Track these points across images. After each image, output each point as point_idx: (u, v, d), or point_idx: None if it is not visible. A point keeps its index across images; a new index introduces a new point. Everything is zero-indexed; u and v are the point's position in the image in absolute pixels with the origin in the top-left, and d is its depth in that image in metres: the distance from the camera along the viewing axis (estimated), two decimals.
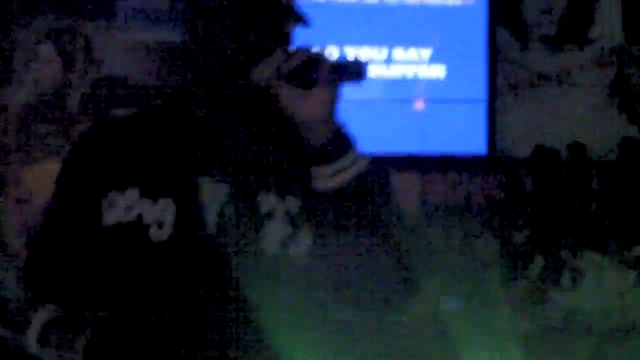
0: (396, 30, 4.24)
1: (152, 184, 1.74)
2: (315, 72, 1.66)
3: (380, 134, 4.14)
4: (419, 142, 4.17)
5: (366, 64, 1.71)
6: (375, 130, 4.15)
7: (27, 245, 1.91)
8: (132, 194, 1.73)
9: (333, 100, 1.67)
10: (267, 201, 1.73)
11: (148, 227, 1.70)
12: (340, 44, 4.17)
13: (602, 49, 4.53)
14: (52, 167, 4.32)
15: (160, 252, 1.71)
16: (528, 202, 4.43)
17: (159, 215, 1.71)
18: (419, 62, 4.23)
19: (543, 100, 4.52)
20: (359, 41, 4.19)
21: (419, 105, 4.22)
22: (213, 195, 1.73)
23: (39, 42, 4.34)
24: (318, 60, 1.67)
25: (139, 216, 1.72)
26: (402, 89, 4.25)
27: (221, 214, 1.72)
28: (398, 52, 4.23)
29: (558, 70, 4.53)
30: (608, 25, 4.54)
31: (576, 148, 4.51)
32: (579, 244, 4.45)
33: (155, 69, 4.35)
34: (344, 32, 4.19)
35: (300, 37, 4.18)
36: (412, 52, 4.24)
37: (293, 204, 1.74)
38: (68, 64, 4.35)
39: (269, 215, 1.72)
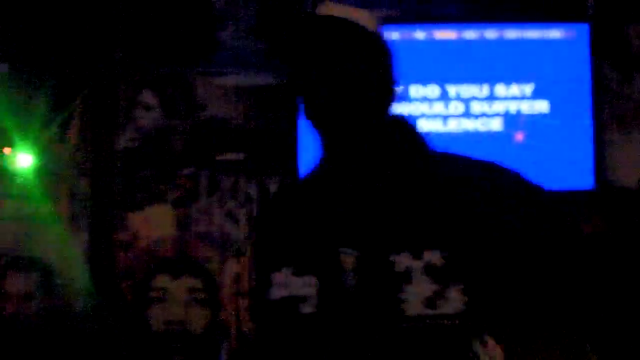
0: (497, 65, 4.19)
1: (299, 261, 1.79)
2: None
3: None
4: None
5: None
6: None
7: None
8: (287, 273, 1.79)
9: None
10: (401, 260, 1.70)
11: (298, 301, 1.76)
12: (442, 81, 4.14)
13: None
14: (156, 211, 4.38)
15: (310, 325, 1.75)
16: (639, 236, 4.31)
17: (304, 291, 1.76)
18: (522, 98, 4.18)
19: None
20: (460, 78, 4.16)
21: (519, 137, 4.16)
22: (349, 260, 1.74)
23: (141, 89, 4.40)
24: None
25: (291, 291, 1.78)
26: (506, 124, 4.19)
27: (359, 279, 1.72)
28: (500, 89, 4.18)
29: None
30: None
31: None
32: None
33: (254, 111, 4.38)
34: (444, 69, 4.16)
35: (403, 74, 4.19)
36: (514, 88, 4.18)
37: (435, 257, 1.69)
38: (169, 109, 4.40)
39: (406, 274, 1.69)
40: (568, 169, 4.16)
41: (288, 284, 1.78)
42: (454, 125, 4.15)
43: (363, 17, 1.82)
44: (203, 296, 4.36)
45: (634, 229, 4.31)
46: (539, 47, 4.22)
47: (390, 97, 1.90)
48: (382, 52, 1.86)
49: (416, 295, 1.68)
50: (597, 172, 4.16)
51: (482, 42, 4.20)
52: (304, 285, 1.76)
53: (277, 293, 1.79)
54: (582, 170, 4.17)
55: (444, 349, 1.69)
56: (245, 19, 4.42)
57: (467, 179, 1.79)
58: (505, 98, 4.18)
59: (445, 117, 4.16)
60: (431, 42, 4.19)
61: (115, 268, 4.38)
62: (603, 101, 4.29)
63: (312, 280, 1.75)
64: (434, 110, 4.15)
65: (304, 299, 1.75)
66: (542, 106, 4.19)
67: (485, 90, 4.18)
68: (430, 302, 1.67)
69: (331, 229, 1.79)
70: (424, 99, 4.15)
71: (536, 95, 4.18)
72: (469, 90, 4.16)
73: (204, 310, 4.37)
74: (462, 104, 4.16)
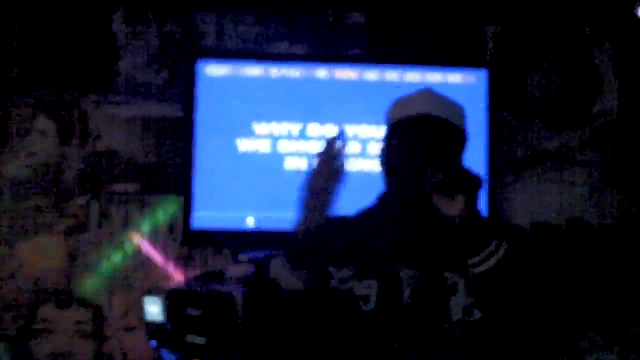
0: None
1: (361, 266, 2.28)
2: (458, 183, 2.12)
3: None
4: None
5: (481, 179, 2.14)
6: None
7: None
8: (346, 272, 2.28)
9: (472, 204, 2.13)
10: (451, 277, 2.24)
11: (358, 299, 2.25)
12: (340, 121, 4.14)
13: (601, 127, 4.52)
14: (45, 241, 4.28)
15: (367, 320, 2.24)
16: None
17: (365, 291, 2.25)
18: None
19: (542, 177, 4.49)
20: (359, 119, 4.16)
21: None
22: (408, 275, 2.26)
23: (36, 114, 4.31)
24: (459, 173, 2.12)
25: (351, 289, 2.26)
26: None
27: (415, 289, 2.24)
28: None
29: (557, 148, 4.50)
30: (606, 103, 4.53)
31: (576, 225, 4.47)
32: (580, 324, 4.39)
33: (151, 143, 4.33)
34: (344, 109, 4.16)
35: (302, 112, 4.18)
36: None
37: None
38: (64, 137, 4.32)
39: (453, 288, 2.23)
40: None
41: (348, 282, 2.26)
42: (350, 165, 4.14)
43: (457, 112, 2.37)
44: (89, 328, 4.27)
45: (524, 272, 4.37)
46: (438, 91, 4.25)
47: None
48: (465, 141, 2.39)
49: (458, 304, 2.21)
50: (490, 216, 4.20)
51: (383, 84, 4.22)
52: (365, 287, 2.25)
53: (336, 285, 2.27)
54: None
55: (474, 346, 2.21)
56: (145, 50, 4.37)
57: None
58: None
59: None
60: (332, 82, 4.20)
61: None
62: (499, 146, 4.35)
63: (374, 283, 2.25)
64: None
65: (365, 298, 2.24)
66: None
67: (382, 130, 4.19)
68: (467, 310, 2.21)
69: (392, 250, 2.29)
70: (322, 138, 4.14)
71: None
72: (367, 130, 4.17)
73: (89, 342, 4.28)
74: (360, 144, 4.16)
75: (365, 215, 2.45)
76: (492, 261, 2.12)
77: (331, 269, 2.29)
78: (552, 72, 4.51)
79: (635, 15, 4.30)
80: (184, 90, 4.24)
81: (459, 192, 2.11)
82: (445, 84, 4.25)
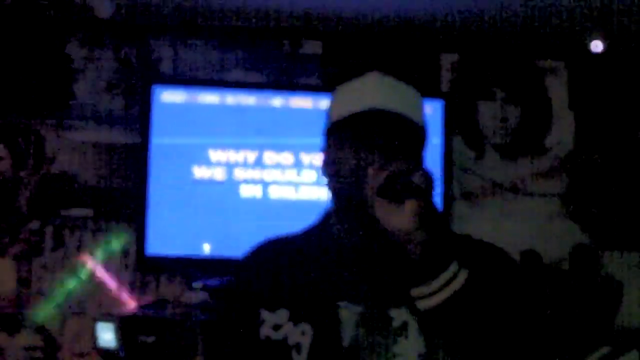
0: None
1: (297, 307, 1.83)
2: (404, 187, 1.69)
3: None
4: None
5: (432, 177, 1.72)
6: None
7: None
8: (282, 315, 1.83)
9: (424, 212, 1.68)
10: (399, 315, 1.77)
11: (291, 348, 1.81)
12: (296, 149, 4.16)
13: (556, 158, 4.55)
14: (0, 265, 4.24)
15: None
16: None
17: (298, 339, 1.80)
18: None
19: (497, 208, 4.51)
20: (314, 147, 4.16)
21: None
22: (349, 314, 1.79)
23: None
24: (406, 175, 1.70)
25: (285, 336, 1.81)
26: None
27: (357, 332, 1.78)
28: None
29: (512, 178, 4.53)
30: (561, 135, 4.57)
31: (530, 256, 4.48)
32: (533, 353, 4.40)
33: (106, 169, 4.31)
34: (300, 137, 4.17)
35: (258, 140, 4.17)
36: None
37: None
38: (18, 161, 4.29)
39: (402, 329, 1.76)
40: None
41: (282, 327, 1.82)
42: (306, 193, 4.16)
43: (414, 103, 1.90)
44: (40, 355, 4.24)
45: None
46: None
47: None
48: (425, 140, 1.91)
49: (411, 350, 1.75)
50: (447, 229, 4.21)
51: None
52: (299, 333, 1.80)
53: (269, 333, 1.83)
54: None
55: None
56: (102, 75, 4.36)
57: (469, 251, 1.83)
58: None
59: (297, 185, 4.17)
60: (287, 110, 4.21)
61: None
62: (453, 177, 4.37)
63: (308, 329, 1.80)
64: (287, 177, 4.16)
65: (298, 346, 1.79)
66: None
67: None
68: (424, 358, 1.75)
69: (331, 283, 1.83)
70: (278, 166, 4.16)
71: None
72: (320, 158, 4.17)
73: None
74: (315, 172, 4.17)
75: (304, 237, 1.98)
76: (446, 293, 1.66)
77: (264, 312, 1.84)
78: (506, 103, 4.54)
79: (587, 48, 4.36)
80: (139, 115, 4.24)
81: (406, 196, 1.68)
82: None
